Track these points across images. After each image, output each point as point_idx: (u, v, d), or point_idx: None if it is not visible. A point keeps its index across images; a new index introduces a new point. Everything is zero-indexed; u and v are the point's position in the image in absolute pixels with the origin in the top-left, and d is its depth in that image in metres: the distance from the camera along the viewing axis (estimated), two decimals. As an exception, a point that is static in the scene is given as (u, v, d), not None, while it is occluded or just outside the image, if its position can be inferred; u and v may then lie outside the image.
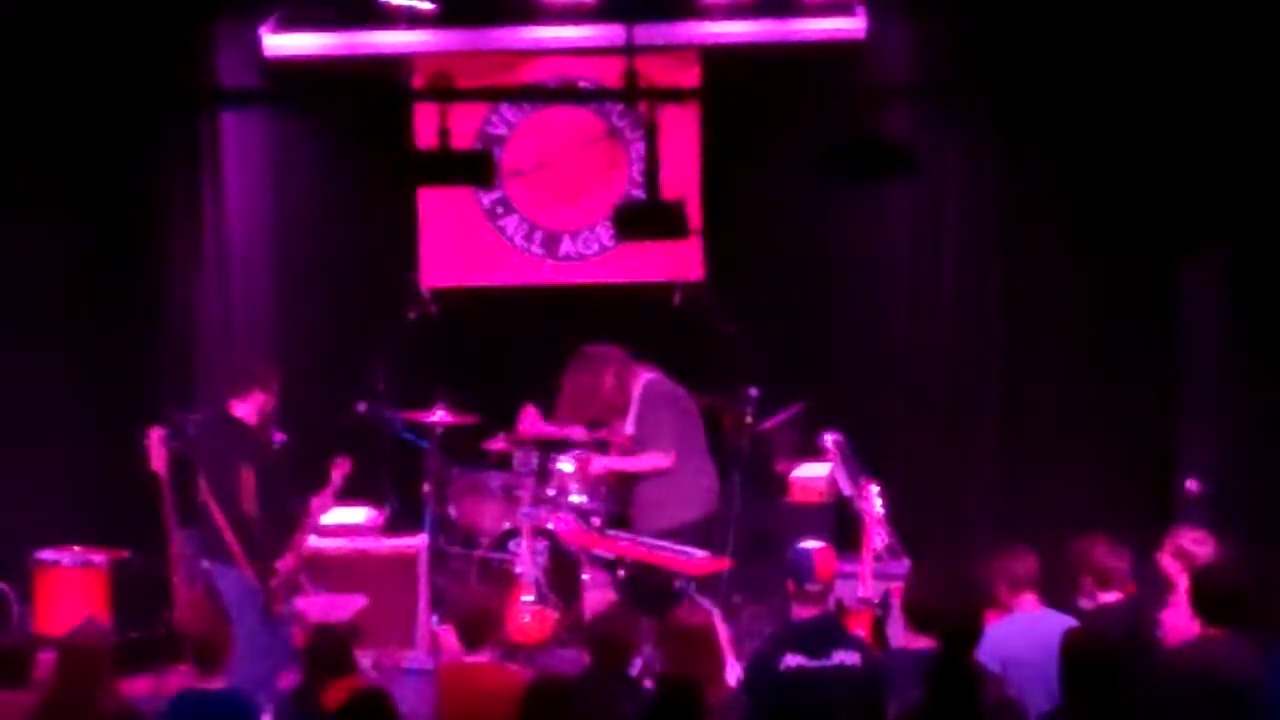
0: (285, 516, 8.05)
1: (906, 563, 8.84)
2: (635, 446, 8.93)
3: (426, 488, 9.66)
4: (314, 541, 8.60)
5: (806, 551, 6.87)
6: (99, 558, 9.15)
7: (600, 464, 9.16)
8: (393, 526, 9.78)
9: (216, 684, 6.57)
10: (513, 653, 8.92)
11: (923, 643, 6.63)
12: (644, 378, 8.98)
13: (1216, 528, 7.53)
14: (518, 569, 9.39)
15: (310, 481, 8.33)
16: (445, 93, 8.99)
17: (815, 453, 9.21)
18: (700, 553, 9.01)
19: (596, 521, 9.56)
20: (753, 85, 10.21)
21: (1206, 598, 6.42)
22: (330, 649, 6.61)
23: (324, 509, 8.38)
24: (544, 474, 9.67)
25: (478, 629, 6.83)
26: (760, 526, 9.42)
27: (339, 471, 8.28)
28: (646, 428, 8.87)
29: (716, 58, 10.24)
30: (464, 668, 6.87)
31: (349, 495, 8.69)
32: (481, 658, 6.81)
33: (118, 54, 9.44)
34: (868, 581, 8.39)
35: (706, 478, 8.96)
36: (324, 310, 10.59)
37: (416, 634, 9.23)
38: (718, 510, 9.00)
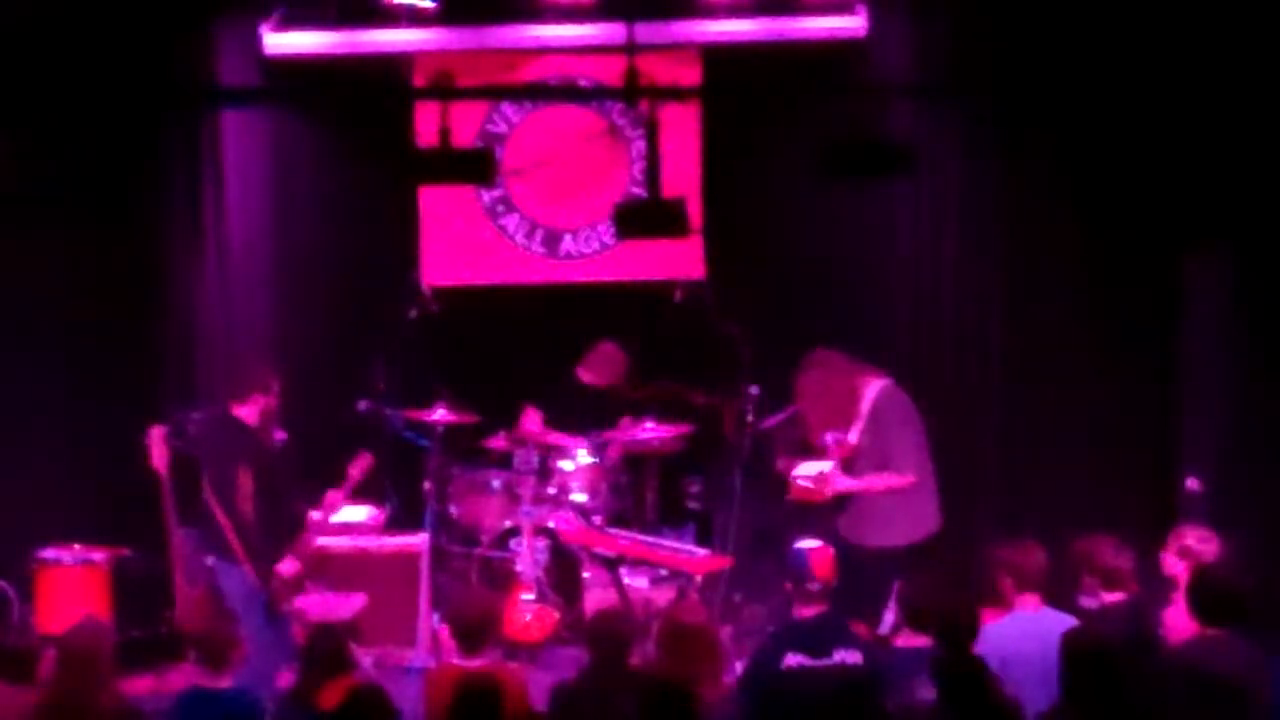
0: (285, 516, 8.05)
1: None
2: (864, 460, 8.40)
3: (427, 486, 9.67)
4: (317, 540, 8.59)
5: (802, 551, 6.91)
6: (100, 556, 9.14)
7: (841, 484, 8.42)
8: (394, 525, 9.78)
9: (224, 683, 6.56)
10: (513, 651, 8.94)
11: (921, 641, 6.66)
12: (875, 385, 8.49)
13: (1217, 527, 7.54)
14: (518, 567, 9.41)
15: (310, 482, 8.33)
16: (446, 91, 8.98)
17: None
18: (701, 551, 9.03)
19: (597, 520, 9.58)
20: (753, 84, 10.21)
21: (1204, 598, 6.43)
22: (327, 648, 6.62)
23: (337, 505, 8.38)
24: (545, 472, 9.70)
25: (475, 634, 6.83)
26: (760, 526, 9.42)
27: (357, 469, 8.28)
28: (887, 443, 8.33)
29: (717, 56, 10.24)
30: (456, 671, 6.86)
31: (357, 490, 8.67)
32: (477, 662, 6.80)
33: (118, 53, 9.43)
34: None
35: (934, 498, 8.51)
36: (324, 309, 10.58)
37: (418, 633, 9.23)
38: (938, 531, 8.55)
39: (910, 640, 6.78)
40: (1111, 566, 6.95)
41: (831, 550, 7.03)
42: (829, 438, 8.67)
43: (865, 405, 8.47)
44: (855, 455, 8.44)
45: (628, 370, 10.00)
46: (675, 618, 6.89)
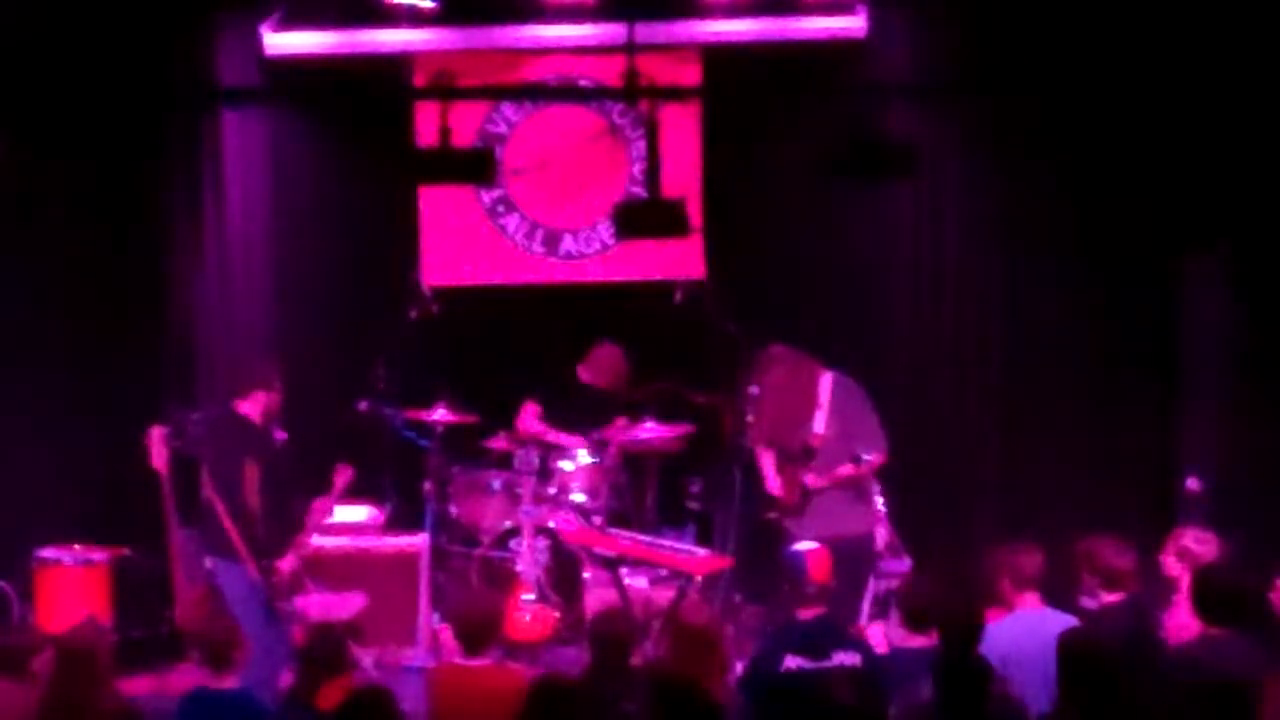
0: (287, 514, 8.05)
1: (907, 561, 8.86)
2: (832, 450, 8.32)
3: (427, 486, 9.66)
4: (315, 540, 8.59)
5: (798, 554, 6.92)
6: (100, 556, 9.14)
7: (825, 478, 8.30)
8: (394, 525, 9.78)
9: (229, 683, 6.55)
10: (514, 651, 8.94)
11: (921, 641, 6.66)
12: (829, 376, 8.49)
13: (1217, 526, 7.54)
14: (519, 567, 9.41)
15: (310, 481, 8.33)
16: (446, 91, 8.99)
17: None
18: (702, 551, 9.02)
19: (597, 520, 9.58)
20: (753, 84, 10.21)
21: (1207, 598, 6.43)
22: (326, 648, 6.60)
23: (325, 513, 8.37)
24: (545, 472, 9.69)
25: (478, 635, 6.82)
26: (760, 526, 9.41)
27: (341, 478, 8.27)
28: (855, 428, 8.34)
29: (717, 56, 10.24)
30: (459, 670, 6.87)
31: (350, 494, 8.69)
32: (478, 662, 6.80)
33: (118, 54, 9.43)
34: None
35: None
36: (324, 309, 10.58)
37: (418, 632, 9.24)
38: None
39: (910, 641, 6.78)
40: (1113, 566, 6.94)
41: (827, 552, 7.03)
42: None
43: (824, 397, 8.46)
44: (822, 446, 8.41)
45: (628, 374, 9.99)
46: (682, 618, 6.88)
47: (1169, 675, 6.27)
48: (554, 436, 9.86)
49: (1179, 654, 6.49)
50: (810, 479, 8.32)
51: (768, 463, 8.54)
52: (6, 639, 6.92)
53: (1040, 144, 9.76)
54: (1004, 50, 9.59)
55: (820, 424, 8.40)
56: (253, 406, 8.01)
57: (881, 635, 8.07)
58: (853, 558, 8.20)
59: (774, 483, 8.46)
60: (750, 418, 8.70)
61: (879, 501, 8.63)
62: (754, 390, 8.63)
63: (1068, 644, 6.01)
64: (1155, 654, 6.60)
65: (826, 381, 8.48)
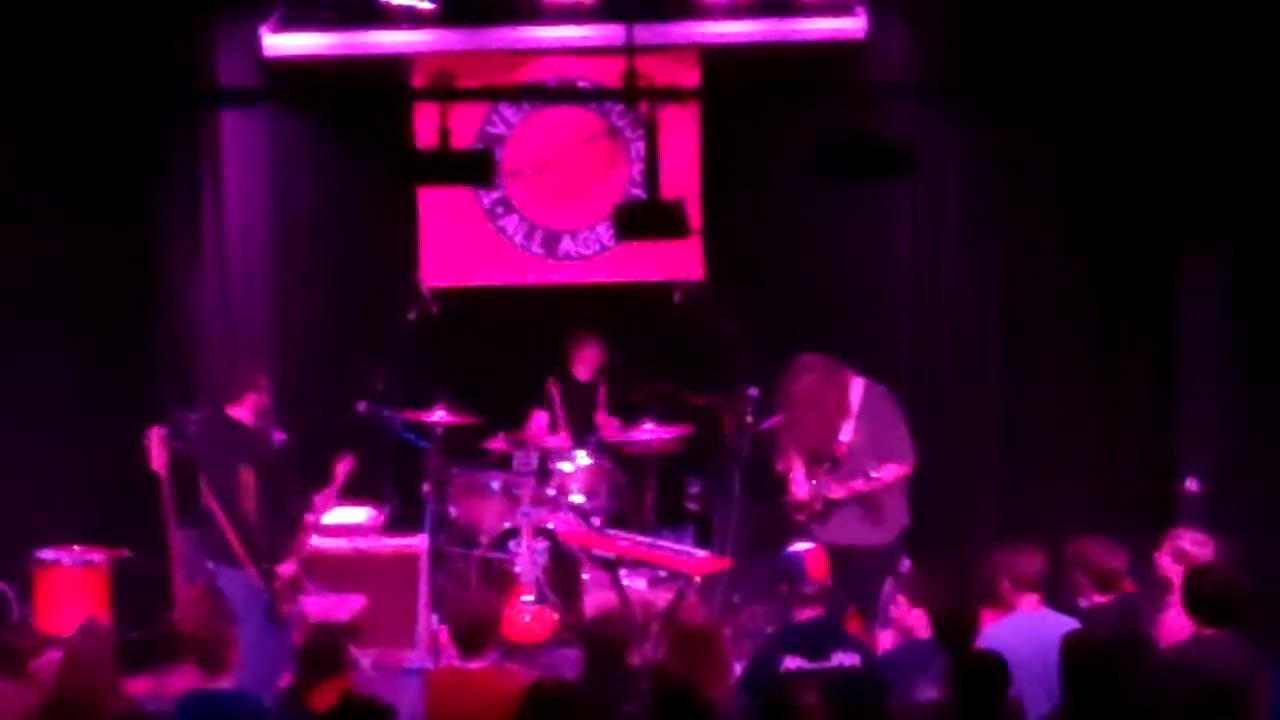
0: (287, 516, 8.04)
1: (906, 562, 8.85)
2: (860, 458, 8.28)
3: (426, 487, 9.66)
4: (315, 541, 8.58)
5: (797, 554, 6.91)
6: (99, 557, 9.14)
7: (843, 489, 8.26)
8: (393, 526, 9.79)
9: (224, 684, 6.55)
10: (512, 652, 8.94)
11: (920, 640, 6.67)
12: (859, 383, 8.46)
13: (1216, 527, 7.54)
14: (518, 569, 9.42)
15: (311, 481, 8.33)
16: (445, 92, 9.00)
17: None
18: (701, 552, 9.02)
19: (596, 521, 9.58)
20: (753, 85, 10.21)
21: (1200, 598, 6.42)
22: (323, 649, 6.60)
23: (327, 506, 8.37)
24: (544, 473, 9.70)
25: (475, 637, 6.82)
26: (760, 526, 9.42)
27: (342, 468, 8.26)
28: (884, 436, 8.33)
29: (716, 57, 10.24)
30: (456, 673, 6.87)
31: (349, 494, 8.69)
32: (476, 664, 6.80)
33: (118, 54, 9.42)
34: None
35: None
36: (324, 310, 10.59)
37: (417, 634, 9.23)
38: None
39: (900, 638, 6.79)
40: (1104, 567, 6.94)
41: (825, 551, 7.03)
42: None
43: (854, 404, 8.45)
44: (849, 454, 8.40)
45: (606, 359, 10.04)
46: (681, 620, 6.88)
47: (1161, 676, 6.26)
48: (553, 438, 9.87)
49: (1171, 655, 6.48)
50: (831, 489, 8.31)
51: (797, 467, 8.50)
52: (7, 639, 6.93)
53: (1039, 144, 9.75)
54: (1003, 50, 9.57)
55: (847, 433, 8.38)
56: (244, 409, 8.00)
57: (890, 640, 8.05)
58: (871, 567, 8.21)
59: (801, 488, 8.43)
60: (777, 423, 8.66)
61: (905, 510, 8.56)
62: (775, 395, 8.58)
63: (1072, 646, 6.01)
64: (1144, 655, 6.59)
65: (857, 389, 8.46)
